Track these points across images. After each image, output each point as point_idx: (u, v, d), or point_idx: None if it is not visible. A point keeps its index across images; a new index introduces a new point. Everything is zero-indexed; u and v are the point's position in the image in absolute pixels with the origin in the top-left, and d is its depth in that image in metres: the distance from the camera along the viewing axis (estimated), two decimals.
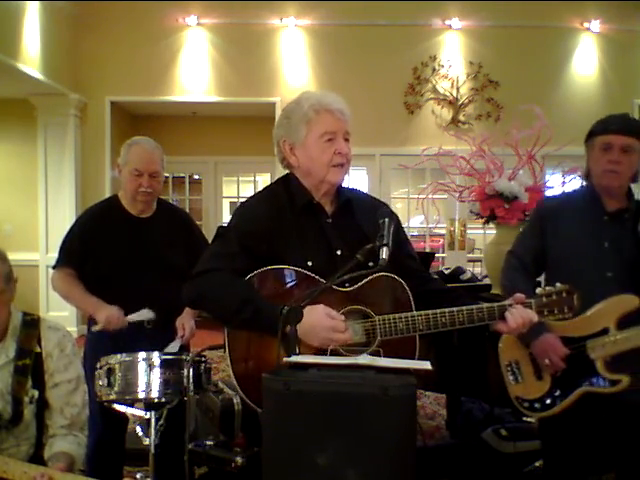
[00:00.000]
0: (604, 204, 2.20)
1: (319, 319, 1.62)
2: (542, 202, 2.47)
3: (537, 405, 2.14)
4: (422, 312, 1.71)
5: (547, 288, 1.81)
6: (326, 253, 1.77)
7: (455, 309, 1.72)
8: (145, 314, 2.47)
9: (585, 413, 2.13)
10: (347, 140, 1.81)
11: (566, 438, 2.18)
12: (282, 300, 1.64)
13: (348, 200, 1.85)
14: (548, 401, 2.12)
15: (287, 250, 1.75)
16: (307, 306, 1.60)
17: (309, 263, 1.73)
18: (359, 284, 1.72)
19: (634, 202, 2.21)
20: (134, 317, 2.47)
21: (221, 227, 1.84)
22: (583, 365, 2.07)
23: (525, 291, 2.24)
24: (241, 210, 1.87)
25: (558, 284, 1.79)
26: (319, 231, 1.80)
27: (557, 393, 2.11)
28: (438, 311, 1.71)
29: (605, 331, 2.06)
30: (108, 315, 2.41)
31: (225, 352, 1.75)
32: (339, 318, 1.65)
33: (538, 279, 2.38)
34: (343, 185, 1.89)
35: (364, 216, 1.83)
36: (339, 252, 1.77)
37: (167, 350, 2.39)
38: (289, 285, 1.73)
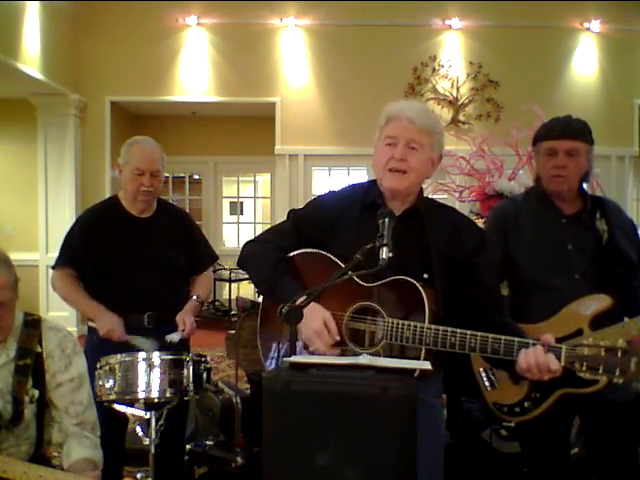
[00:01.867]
0: (559, 206, 2.17)
1: (312, 318, 1.63)
2: (499, 209, 2.38)
3: (517, 409, 2.10)
4: (432, 326, 1.64)
5: (600, 341, 1.62)
6: (378, 252, 1.73)
7: (469, 332, 1.63)
8: (147, 345, 2.36)
9: (564, 414, 2.11)
10: (414, 149, 1.76)
11: (546, 439, 2.16)
12: (307, 283, 1.75)
13: (416, 209, 1.82)
14: (527, 404, 2.08)
15: (340, 240, 1.80)
16: (314, 304, 1.62)
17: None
18: (380, 282, 1.70)
19: (589, 200, 2.17)
20: (136, 341, 2.39)
21: (292, 210, 1.99)
22: None
23: None
24: (316, 198, 2.01)
25: (620, 340, 1.58)
26: (377, 231, 1.78)
27: (536, 396, 2.07)
28: (449, 329, 1.63)
29: (579, 332, 2.00)
30: (109, 330, 2.40)
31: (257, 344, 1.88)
32: (333, 330, 1.66)
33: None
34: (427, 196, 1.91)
35: (434, 230, 1.79)
36: (391, 254, 1.70)
37: (167, 338, 2.38)
38: (318, 272, 1.77)
